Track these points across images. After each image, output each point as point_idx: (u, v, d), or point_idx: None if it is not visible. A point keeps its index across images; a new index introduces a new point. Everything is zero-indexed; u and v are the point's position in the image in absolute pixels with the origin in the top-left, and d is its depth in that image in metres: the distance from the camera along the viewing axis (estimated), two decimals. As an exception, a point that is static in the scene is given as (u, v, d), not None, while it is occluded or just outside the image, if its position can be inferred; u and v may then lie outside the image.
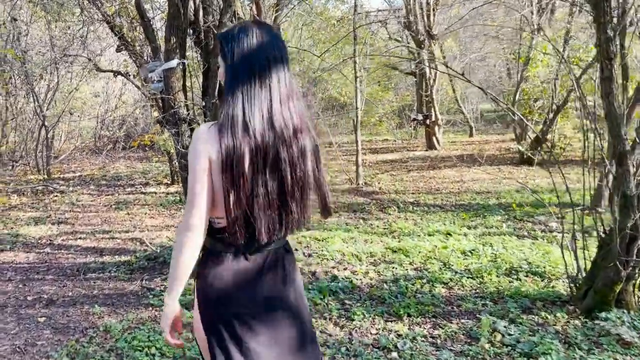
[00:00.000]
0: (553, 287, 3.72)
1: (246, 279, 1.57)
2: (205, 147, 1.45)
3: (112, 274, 4.56)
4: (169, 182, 9.25)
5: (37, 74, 10.11)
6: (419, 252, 4.64)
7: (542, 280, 3.86)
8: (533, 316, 3.27)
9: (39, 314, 3.74)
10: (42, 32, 11.39)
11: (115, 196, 8.29)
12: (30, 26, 10.71)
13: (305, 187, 1.55)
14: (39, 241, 5.80)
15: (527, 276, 3.96)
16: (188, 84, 4.29)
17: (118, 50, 10.38)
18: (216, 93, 3.99)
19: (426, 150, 12.07)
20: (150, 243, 5.40)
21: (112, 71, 9.40)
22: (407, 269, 4.27)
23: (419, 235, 5.28)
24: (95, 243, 5.66)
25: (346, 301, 3.66)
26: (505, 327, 3.10)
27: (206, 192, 1.46)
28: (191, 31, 4.15)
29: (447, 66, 9.35)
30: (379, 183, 8.55)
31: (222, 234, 1.54)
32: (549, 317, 3.24)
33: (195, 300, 1.60)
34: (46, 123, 10.26)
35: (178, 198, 7.86)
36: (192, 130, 4.18)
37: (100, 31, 11.40)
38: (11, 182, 9.38)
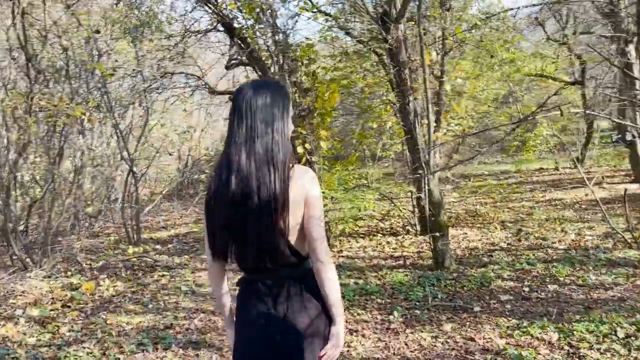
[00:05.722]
0: None
1: (247, 311, 1.71)
2: None
3: None
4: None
5: (125, 102, 7.68)
6: None
7: None
8: None
9: None
10: (125, 55, 9.06)
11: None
12: (113, 46, 8.34)
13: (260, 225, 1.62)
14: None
15: None
16: None
17: (229, 66, 7.87)
18: None
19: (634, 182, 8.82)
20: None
21: (230, 93, 6.86)
22: None
23: None
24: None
25: None
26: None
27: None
28: None
29: None
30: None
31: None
32: None
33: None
34: (134, 169, 7.74)
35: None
36: None
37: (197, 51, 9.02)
38: (97, 253, 6.83)
